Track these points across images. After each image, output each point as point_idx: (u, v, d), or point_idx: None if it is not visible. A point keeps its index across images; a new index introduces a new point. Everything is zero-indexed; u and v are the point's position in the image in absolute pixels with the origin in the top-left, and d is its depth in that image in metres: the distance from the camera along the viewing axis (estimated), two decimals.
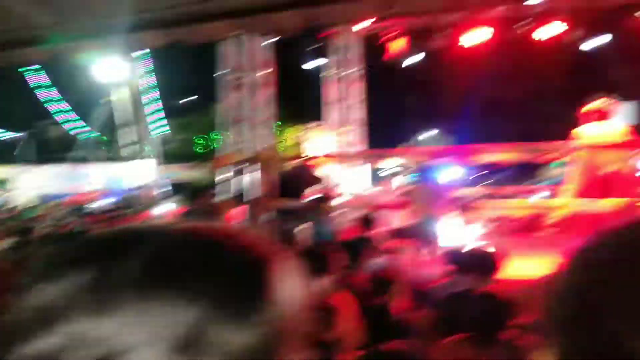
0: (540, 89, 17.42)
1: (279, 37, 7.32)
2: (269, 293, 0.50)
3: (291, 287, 0.52)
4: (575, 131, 6.61)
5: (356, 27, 8.46)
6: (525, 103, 16.40)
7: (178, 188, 15.27)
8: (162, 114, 18.04)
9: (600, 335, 0.51)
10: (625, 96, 15.24)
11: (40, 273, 0.50)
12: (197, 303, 0.46)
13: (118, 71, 8.64)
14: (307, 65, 7.95)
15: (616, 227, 0.58)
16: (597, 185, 6.15)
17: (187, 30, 5.10)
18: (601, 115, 6.36)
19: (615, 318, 0.50)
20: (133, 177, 16.36)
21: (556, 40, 7.69)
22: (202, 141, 21.61)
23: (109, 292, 0.46)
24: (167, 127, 19.41)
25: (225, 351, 0.45)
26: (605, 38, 7.76)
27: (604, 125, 6.37)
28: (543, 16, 7.45)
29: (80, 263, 0.49)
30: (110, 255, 0.49)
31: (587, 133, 6.48)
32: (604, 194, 5.99)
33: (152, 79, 16.68)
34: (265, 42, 7.32)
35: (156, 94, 17.14)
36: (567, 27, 7.47)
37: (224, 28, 5.32)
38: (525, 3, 7.28)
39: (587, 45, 7.91)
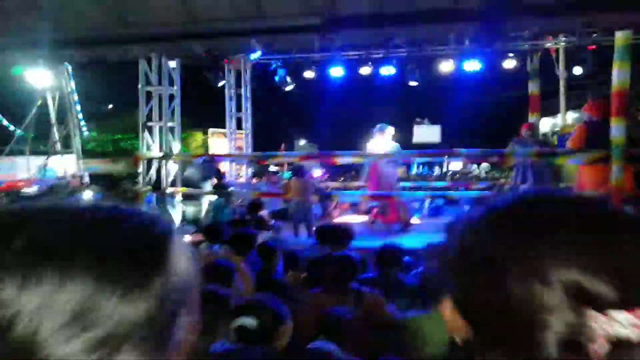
0: (378, 112, 18.45)
1: (189, 59, 7.01)
2: (161, 266, 0.43)
3: (181, 259, 0.45)
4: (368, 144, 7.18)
5: (253, 56, 8.35)
6: (367, 121, 17.29)
7: (100, 179, 14.09)
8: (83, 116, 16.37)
9: (493, 288, 0.47)
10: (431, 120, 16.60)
11: None
12: (87, 277, 0.39)
13: (47, 78, 7.75)
14: (213, 83, 7.72)
15: (500, 203, 0.54)
16: (377, 178, 6.74)
17: (107, 50, 4.72)
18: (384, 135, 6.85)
19: (506, 274, 0.46)
20: (59, 169, 14.90)
21: (389, 77, 8.17)
22: (121, 140, 20.03)
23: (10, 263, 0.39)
24: (91, 128, 17.79)
25: (118, 321, 0.39)
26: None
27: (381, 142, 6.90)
28: (382, 61, 7.88)
29: None
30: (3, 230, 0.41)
31: (371, 146, 7.04)
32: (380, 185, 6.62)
33: (75, 85, 15.04)
34: (177, 63, 7.00)
35: (77, 98, 15.46)
36: (397, 69, 7.95)
37: (138, 50, 5.01)
38: (369, 51, 7.64)
39: (412, 82, 8.46)
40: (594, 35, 6.76)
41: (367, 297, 3.04)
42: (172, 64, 6.79)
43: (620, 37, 5.27)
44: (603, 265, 0.43)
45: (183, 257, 0.46)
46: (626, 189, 5.37)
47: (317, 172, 9.64)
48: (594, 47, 6.94)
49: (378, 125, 6.89)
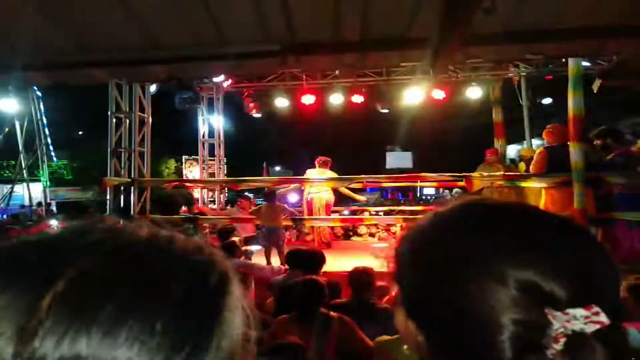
0: (350, 139, 18.71)
1: (158, 84, 6.99)
2: (219, 327, 0.36)
3: (237, 316, 0.38)
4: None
5: (225, 83, 8.39)
6: (338, 147, 17.54)
7: (67, 206, 13.66)
8: (52, 144, 16.00)
9: (446, 292, 0.46)
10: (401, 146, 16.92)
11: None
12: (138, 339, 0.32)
13: (13, 104, 7.55)
14: (184, 109, 7.68)
15: (449, 209, 0.53)
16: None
17: (69, 74, 4.67)
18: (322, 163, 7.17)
19: (459, 277, 0.45)
20: (27, 197, 14.40)
21: (360, 105, 8.34)
22: (89, 167, 19.58)
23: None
24: (59, 155, 17.35)
25: None
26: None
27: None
28: (351, 89, 8.06)
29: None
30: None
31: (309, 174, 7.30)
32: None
33: (45, 112, 14.75)
34: (148, 88, 6.97)
35: (46, 125, 15.14)
36: (364, 99, 8.13)
37: (102, 75, 4.97)
38: (338, 80, 7.81)
39: (381, 109, 8.65)
40: (550, 65, 7.13)
41: (335, 321, 3.00)
42: (140, 88, 6.77)
43: (572, 66, 5.56)
44: (558, 266, 0.43)
45: (238, 312, 0.39)
46: (589, 211, 5.55)
47: (294, 198, 9.61)
48: (550, 77, 7.29)
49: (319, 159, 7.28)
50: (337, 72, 7.53)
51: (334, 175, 7.01)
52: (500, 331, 0.42)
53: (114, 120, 6.57)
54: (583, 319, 0.41)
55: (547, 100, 8.05)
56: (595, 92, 5.49)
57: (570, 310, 0.41)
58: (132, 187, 6.61)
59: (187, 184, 7.89)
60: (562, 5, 4.29)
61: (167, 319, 0.33)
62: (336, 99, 8.22)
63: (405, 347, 0.55)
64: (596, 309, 0.41)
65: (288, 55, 4.43)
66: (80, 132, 21.69)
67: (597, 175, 5.65)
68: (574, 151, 5.60)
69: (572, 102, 5.64)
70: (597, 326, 0.41)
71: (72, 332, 0.30)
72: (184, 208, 7.40)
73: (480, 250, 0.45)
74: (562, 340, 0.40)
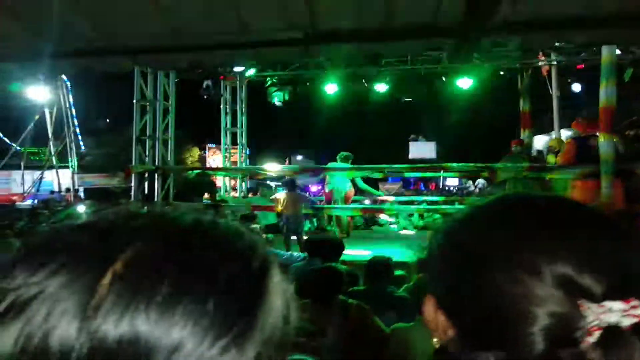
0: (374, 128, 18.58)
1: (184, 73, 7.07)
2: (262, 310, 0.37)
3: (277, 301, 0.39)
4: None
5: (248, 73, 8.43)
6: (363, 137, 17.40)
7: (96, 193, 14.09)
8: (80, 131, 16.46)
9: (480, 284, 0.45)
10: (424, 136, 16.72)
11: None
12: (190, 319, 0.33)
13: (45, 93, 7.80)
14: (208, 98, 7.75)
15: (485, 203, 0.53)
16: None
17: (95, 61, 4.77)
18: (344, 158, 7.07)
19: (494, 269, 0.45)
20: (56, 183, 14.93)
21: (383, 94, 8.25)
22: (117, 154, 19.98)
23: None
24: (87, 142, 17.84)
25: None
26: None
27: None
28: (375, 78, 7.97)
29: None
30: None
31: None
32: None
33: (74, 101, 15.18)
34: (173, 77, 7.08)
35: (74, 112, 15.58)
36: (389, 86, 8.03)
37: (126, 62, 5.07)
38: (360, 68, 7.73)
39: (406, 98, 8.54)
40: (582, 54, 6.89)
41: (353, 308, 3.01)
42: (167, 77, 6.87)
43: (605, 55, 5.36)
44: (593, 260, 0.42)
45: (279, 296, 0.39)
46: (617, 204, 5.39)
47: (314, 187, 9.65)
48: (582, 66, 7.04)
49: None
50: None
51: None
52: (534, 324, 0.41)
53: (139, 108, 6.71)
54: (620, 312, 0.39)
55: (577, 89, 7.77)
56: (626, 81, 5.28)
57: (607, 303, 0.40)
58: (155, 175, 6.76)
59: (210, 172, 8.00)
60: None
61: (217, 300, 0.34)
62: (360, 88, 8.16)
63: (435, 340, 0.54)
64: (635, 302, 0.40)
65: (310, 44, 4.40)
66: (107, 120, 22.27)
67: (627, 167, 5.47)
68: (604, 142, 5.43)
69: (604, 92, 5.45)
70: (635, 320, 0.39)
71: (131, 310, 0.32)
72: (206, 195, 7.53)
73: (514, 243, 0.45)
74: (597, 333, 0.39)
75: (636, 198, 5.46)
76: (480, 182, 14.67)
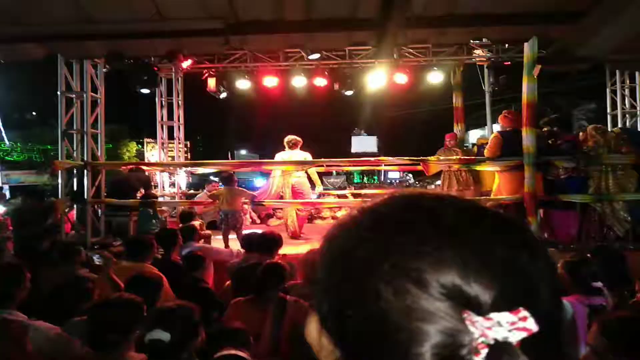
0: (316, 121, 18.68)
1: (115, 63, 6.68)
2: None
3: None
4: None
5: (185, 64, 8.13)
6: (303, 130, 17.46)
7: (21, 191, 13.06)
8: (3, 125, 15.17)
9: (363, 289, 0.41)
10: (365, 130, 17.07)
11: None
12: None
13: None
14: (143, 91, 7.35)
15: (372, 204, 0.49)
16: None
17: (3, 49, 4.40)
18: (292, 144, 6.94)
19: (378, 273, 0.41)
20: None
21: (323, 88, 8.30)
22: (41, 150, 18.61)
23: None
24: (9, 138, 16.51)
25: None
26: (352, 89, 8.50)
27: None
28: (314, 72, 7.99)
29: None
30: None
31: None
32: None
33: None
34: (101, 67, 6.68)
35: None
36: (327, 81, 8.10)
37: (36, 50, 4.72)
38: (300, 62, 7.73)
39: (344, 93, 8.63)
40: (510, 52, 7.32)
41: (291, 305, 3.01)
42: (94, 67, 6.48)
43: (527, 52, 5.72)
44: (481, 265, 0.39)
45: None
46: (538, 193, 5.81)
47: (260, 182, 9.52)
48: (509, 63, 7.47)
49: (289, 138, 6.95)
50: (303, 53, 7.41)
51: (308, 156, 6.89)
52: (422, 343, 0.38)
53: (64, 100, 6.28)
54: (508, 325, 0.36)
55: (505, 84, 8.23)
56: (535, 76, 5.67)
57: (494, 315, 0.37)
58: (85, 171, 6.39)
59: (145, 167, 7.68)
60: None
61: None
62: (299, 82, 8.13)
63: None
64: (524, 313, 0.37)
65: (231, 34, 4.31)
66: (33, 113, 20.71)
67: (546, 160, 5.90)
68: (527, 136, 5.81)
69: (527, 88, 5.83)
70: (524, 334, 0.36)
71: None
72: (141, 191, 7.22)
73: (396, 249, 0.41)
74: (484, 351, 0.36)
75: (553, 188, 5.92)
76: (405, 174, 15.50)
